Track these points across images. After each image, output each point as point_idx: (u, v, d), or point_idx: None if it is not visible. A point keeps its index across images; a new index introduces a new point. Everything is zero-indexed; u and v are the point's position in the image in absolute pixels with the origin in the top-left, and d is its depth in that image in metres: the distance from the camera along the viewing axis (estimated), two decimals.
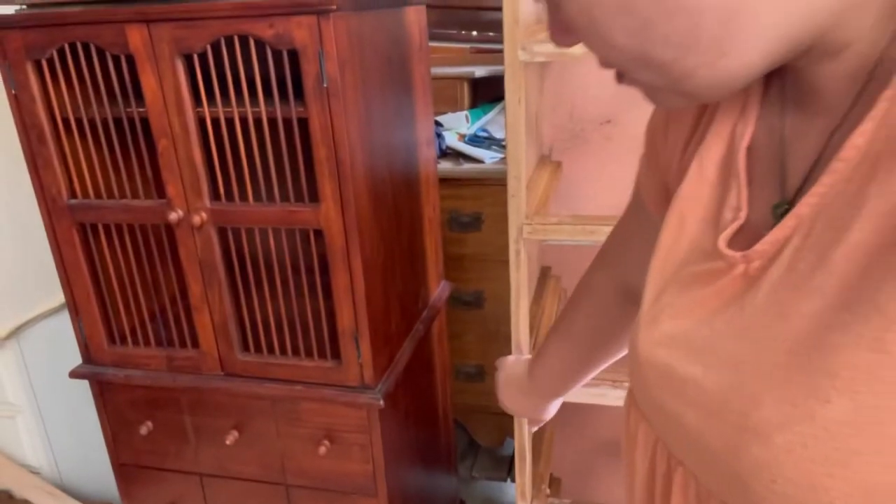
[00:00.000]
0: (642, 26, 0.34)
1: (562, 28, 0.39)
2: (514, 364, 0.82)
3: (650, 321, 0.45)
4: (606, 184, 1.37)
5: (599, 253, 0.69)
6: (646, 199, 0.57)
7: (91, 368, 1.30)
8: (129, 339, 1.27)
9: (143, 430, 1.32)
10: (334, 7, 0.94)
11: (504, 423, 1.83)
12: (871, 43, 0.34)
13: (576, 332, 0.71)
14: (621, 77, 0.40)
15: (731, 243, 0.41)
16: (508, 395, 0.81)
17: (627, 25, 0.34)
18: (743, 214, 0.41)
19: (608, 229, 0.99)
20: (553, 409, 0.80)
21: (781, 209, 0.38)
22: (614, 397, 1.06)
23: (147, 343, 1.27)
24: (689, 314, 0.42)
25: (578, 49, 0.92)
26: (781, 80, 0.41)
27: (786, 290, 0.35)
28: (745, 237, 0.40)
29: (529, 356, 0.81)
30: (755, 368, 0.36)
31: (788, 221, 0.36)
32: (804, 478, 0.33)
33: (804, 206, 0.35)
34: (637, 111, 1.31)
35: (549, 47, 0.92)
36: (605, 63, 0.39)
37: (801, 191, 0.38)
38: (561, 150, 1.38)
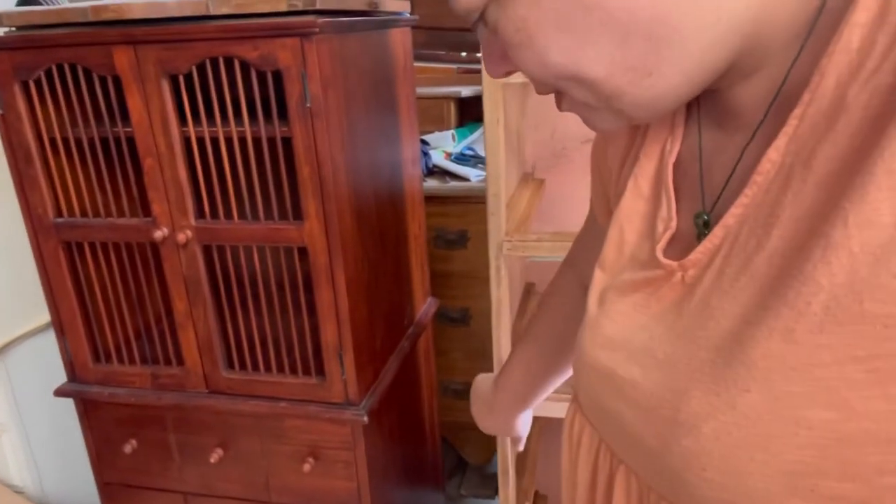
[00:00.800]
0: (576, 44, 0.36)
1: (497, 56, 0.41)
2: (482, 381, 0.83)
3: (593, 326, 0.47)
4: (587, 202, 1.39)
5: (566, 256, 0.73)
6: (596, 212, 0.61)
7: (76, 387, 1.30)
8: (115, 357, 1.28)
9: (128, 449, 1.32)
10: (317, 30, 0.96)
11: (492, 441, 1.83)
12: (780, 64, 0.37)
13: (541, 334, 0.72)
14: (560, 101, 0.42)
15: (666, 253, 0.43)
16: (478, 412, 0.82)
17: (562, 43, 0.36)
18: (673, 224, 0.44)
19: None
20: (522, 424, 0.80)
21: (701, 219, 0.41)
22: None
23: (132, 361, 1.27)
24: (629, 319, 0.44)
25: None
26: (697, 102, 0.44)
27: (715, 294, 0.38)
28: (679, 246, 0.43)
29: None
30: (687, 366, 0.38)
31: (718, 231, 0.39)
32: (730, 464, 0.35)
33: (731, 217, 0.38)
34: None
35: None
36: (540, 85, 0.41)
37: (718, 201, 0.41)
38: (544, 168, 1.40)
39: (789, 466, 0.33)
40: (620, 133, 0.51)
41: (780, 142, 0.35)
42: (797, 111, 0.35)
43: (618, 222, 0.48)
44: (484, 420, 0.82)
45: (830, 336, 0.31)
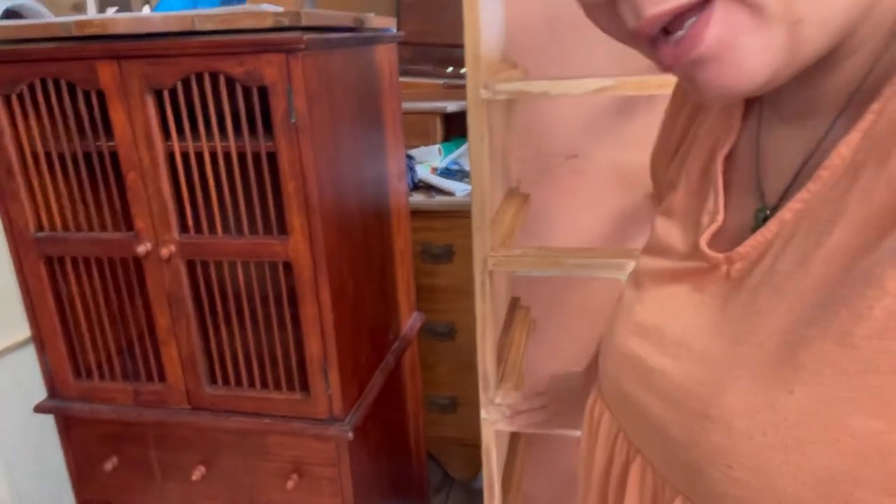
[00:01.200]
0: None
1: None
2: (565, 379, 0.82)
3: (626, 311, 0.47)
4: (573, 216, 1.40)
5: None
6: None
7: (56, 403, 1.28)
8: (96, 373, 1.26)
9: (109, 466, 1.30)
10: (303, 46, 0.97)
11: (478, 456, 1.82)
12: (867, 54, 0.35)
13: None
14: (708, 20, 0.34)
15: (710, 245, 0.42)
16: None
17: None
18: (720, 218, 0.43)
19: (573, 261, 1.02)
20: None
21: (763, 214, 0.40)
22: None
23: (113, 377, 1.26)
24: (664, 308, 0.44)
25: (540, 86, 0.95)
26: (762, 97, 0.43)
27: (765, 290, 0.37)
28: (724, 240, 0.42)
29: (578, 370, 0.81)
30: (724, 361, 0.37)
31: (771, 226, 0.38)
32: (761, 464, 0.34)
33: (787, 212, 0.37)
34: (602, 146, 1.35)
35: (511, 86, 0.95)
36: None
37: (784, 197, 0.39)
38: (529, 183, 1.40)
39: (825, 473, 0.32)
40: (675, 126, 0.51)
41: (853, 137, 0.34)
42: (875, 106, 0.33)
43: (664, 212, 0.48)
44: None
45: (891, 343, 0.30)
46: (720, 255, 0.41)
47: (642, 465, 0.44)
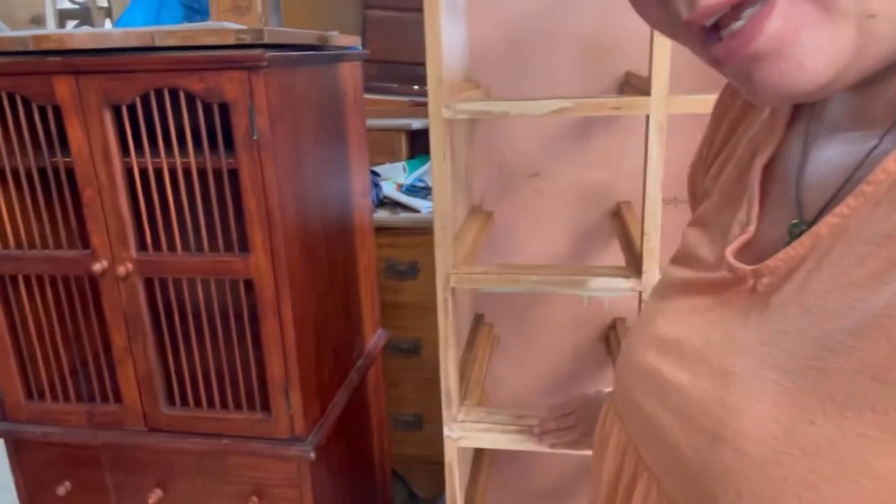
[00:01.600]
0: None
1: None
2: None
3: (646, 322, 0.45)
4: (535, 234, 1.42)
5: None
6: None
7: (6, 426, 1.24)
8: (48, 395, 1.22)
9: (61, 491, 1.26)
10: (265, 63, 0.96)
11: (443, 474, 1.81)
12: None
13: None
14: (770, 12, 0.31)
15: (738, 257, 0.40)
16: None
17: None
18: (751, 230, 0.40)
19: (534, 278, 1.03)
20: None
21: (799, 229, 0.37)
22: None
23: (67, 398, 1.22)
24: (685, 321, 0.42)
25: (500, 106, 0.96)
26: (811, 106, 0.41)
27: (793, 310, 0.35)
28: (753, 253, 0.40)
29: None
30: (746, 382, 0.35)
31: (805, 240, 0.35)
32: (772, 495, 0.32)
33: (824, 227, 0.34)
34: (563, 165, 1.37)
35: (472, 105, 0.96)
36: None
37: (823, 212, 0.36)
38: (492, 201, 1.42)
39: None
40: (717, 135, 0.49)
41: None
42: None
43: (695, 222, 0.46)
44: None
45: None
46: (747, 268, 0.38)
47: (648, 482, 0.43)
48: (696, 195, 0.54)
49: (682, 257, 0.47)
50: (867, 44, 0.31)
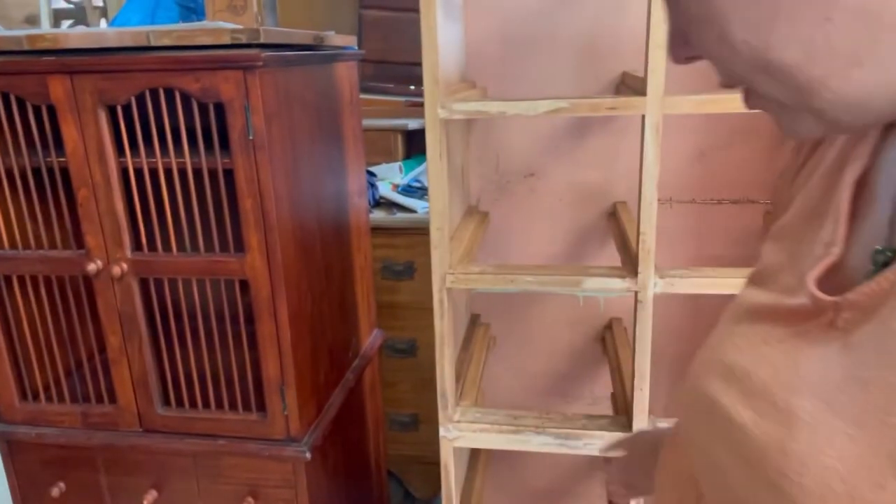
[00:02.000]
0: (765, 17, 0.29)
1: (680, 39, 0.36)
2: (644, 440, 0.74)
3: (716, 346, 0.42)
4: (531, 234, 1.42)
5: None
6: None
7: (0, 427, 1.23)
8: (43, 396, 1.22)
9: (56, 493, 1.25)
10: (261, 63, 0.96)
11: (439, 474, 1.81)
12: None
13: None
14: (748, 97, 0.35)
15: (821, 284, 0.36)
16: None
17: (749, 18, 0.30)
18: (836, 251, 0.36)
19: (530, 278, 1.03)
20: None
21: (884, 256, 0.33)
22: (538, 443, 1.07)
23: (61, 399, 1.22)
24: (755, 350, 0.38)
25: (496, 107, 0.96)
26: None
27: (873, 353, 0.31)
28: (836, 280, 0.36)
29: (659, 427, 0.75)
30: (812, 429, 0.32)
31: (890, 275, 0.31)
32: None
33: None
34: (558, 165, 1.37)
35: (468, 106, 0.96)
36: (724, 76, 0.35)
37: None
38: (488, 201, 1.42)
39: None
40: (806, 142, 0.45)
41: None
42: None
43: (774, 235, 0.42)
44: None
45: None
46: (828, 299, 0.34)
47: None
48: (778, 204, 0.49)
49: (758, 276, 0.43)
50: (879, 85, 0.30)
